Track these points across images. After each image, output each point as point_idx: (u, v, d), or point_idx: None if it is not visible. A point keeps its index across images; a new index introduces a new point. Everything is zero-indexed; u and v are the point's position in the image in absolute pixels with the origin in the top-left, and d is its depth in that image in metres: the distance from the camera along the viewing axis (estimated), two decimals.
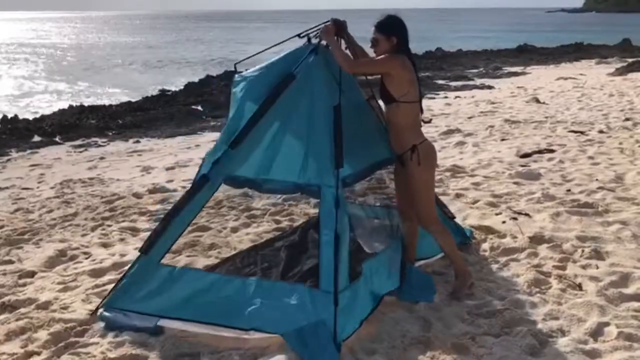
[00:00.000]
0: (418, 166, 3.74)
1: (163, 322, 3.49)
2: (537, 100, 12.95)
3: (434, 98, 14.85)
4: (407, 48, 3.76)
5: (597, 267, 4.24)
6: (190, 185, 3.88)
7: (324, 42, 3.70)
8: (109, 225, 5.70)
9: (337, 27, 3.73)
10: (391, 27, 3.71)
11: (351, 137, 3.48)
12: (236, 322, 3.36)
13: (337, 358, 3.14)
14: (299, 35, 3.78)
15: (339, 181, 3.36)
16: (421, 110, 3.86)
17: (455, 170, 7.10)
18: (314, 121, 3.47)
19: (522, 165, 7.26)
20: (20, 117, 13.91)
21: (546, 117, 10.74)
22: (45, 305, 3.92)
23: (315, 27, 3.76)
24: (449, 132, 9.72)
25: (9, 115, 13.81)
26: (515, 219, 5.28)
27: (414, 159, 3.73)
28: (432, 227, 3.94)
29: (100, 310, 3.67)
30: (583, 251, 4.50)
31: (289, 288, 3.47)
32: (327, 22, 3.75)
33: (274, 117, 3.52)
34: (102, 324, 3.59)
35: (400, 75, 3.68)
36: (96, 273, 4.48)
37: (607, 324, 3.47)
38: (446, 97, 14.91)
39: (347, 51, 3.79)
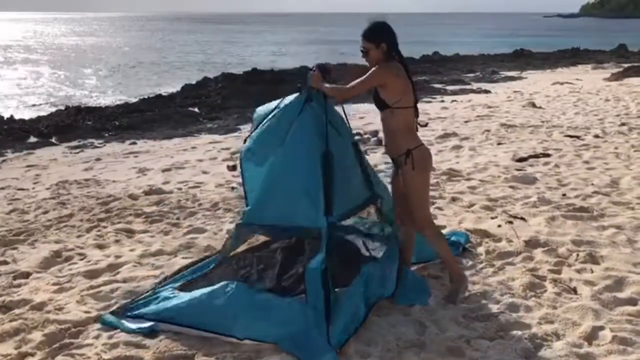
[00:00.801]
0: (412, 170, 3.74)
1: (157, 327, 3.52)
2: (534, 105, 12.99)
3: (430, 102, 14.87)
4: (398, 52, 3.75)
5: (592, 272, 4.25)
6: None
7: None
8: (105, 227, 5.69)
9: (322, 73, 3.83)
10: (379, 34, 3.69)
11: (339, 181, 3.65)
12: (229, 332, 3.37)
13: (336, 358, 3.15)
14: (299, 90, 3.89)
15: (328, 226, 3.51)
16: (417, 115, 3.85)
17: (452, 174, 7.11)
18: (307, 167, 3.63)
19: (518, 169, 7.28)
20: (16, 117, 13.87)
21: (542, 122, 10.77)
22: (39, 306, 3.91)
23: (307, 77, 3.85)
24: (446, 136, 9.74)
25: (5, 116, 13.78)
26: (510, 222, 5.29)
27: (408, 164, 3.73)
28: (426, 231, 3.93)
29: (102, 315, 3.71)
30: (578, 255, 4.51)
31: (282, 304, 3.46)
32: (312, 69, 3.85)
33: (276, 164, 3.73)
34: (97, 325, 3.60)
35: (394, 84, 3.67)
36: (91, 274, 4.47)
37: (601, 328, 3.48)
38: (443, 101, 14.93)
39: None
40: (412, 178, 3.78)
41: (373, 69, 3.68)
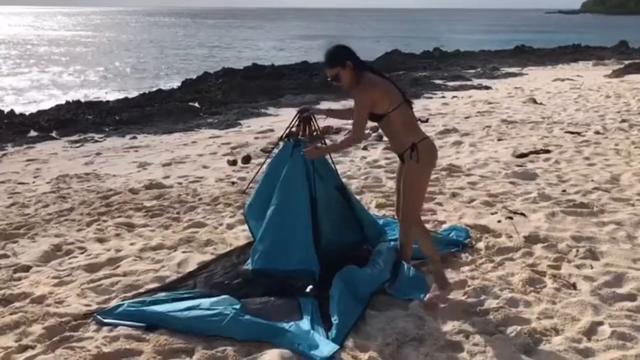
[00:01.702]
0: (416, 164, 3.72)
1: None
2: (534, 101, 12.98)
3: (431, 98, 14.85)
4: (363, 63, 3.78)
5: (592, 267, 4.25)
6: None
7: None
8: (105, 221, 5.69)
9: (304, 123, 4.12)
10: (340, 56, 3.71)
11: (327, 223, 4.00)
12: (227, 334, 3.37)
13: (337, 347, 3.19)
14: (281, 139, 4.24)
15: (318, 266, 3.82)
16: (410, 107, 3.84)
17: (452, 170, 7.11)
18: (298, 212, 3.90)
19: (519, 165, 7.28)
20: (17, 112, 13.87)
21: (543, 118, 10.77)
22: (40, 300, 3.92)
23: (290, 125, 4.16)
24: (446, 132, 9.74)
25: (5, 110, 13.78)
26: (510, 218, 5.29)
27: (414, 157, 3.72)
28: (413, 229, 3.89)
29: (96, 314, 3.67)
30: (578, 251, 4.51)
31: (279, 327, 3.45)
32: (295, 119, 4.13)
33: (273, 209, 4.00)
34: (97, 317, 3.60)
35: (379, 97, 3.68)
36: (91, 268, 4.48)
37: (600, 323, 3.48)
38: (443, 97, 14.91)
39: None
40: (415, 171, 3.76)
41: (355, 97, 3.69)
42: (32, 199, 6.62)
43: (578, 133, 9.19)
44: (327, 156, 4.21)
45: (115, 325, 3.51)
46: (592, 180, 6.47)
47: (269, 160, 4.33)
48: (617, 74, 18.72)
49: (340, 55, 3.72)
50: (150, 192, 6.66)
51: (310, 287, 3.76)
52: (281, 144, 4.23)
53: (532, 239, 4.77)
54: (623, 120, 10.15)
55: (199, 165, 8.22)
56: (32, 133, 11.81)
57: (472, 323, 3.52)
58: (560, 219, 5.28)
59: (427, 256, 4.03)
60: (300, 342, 3.23)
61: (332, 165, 4.28)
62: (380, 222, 4.76)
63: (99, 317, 3.60)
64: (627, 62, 22.34)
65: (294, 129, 4.17)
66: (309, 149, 3.88)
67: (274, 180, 4.03)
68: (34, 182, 7.63)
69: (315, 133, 4.19)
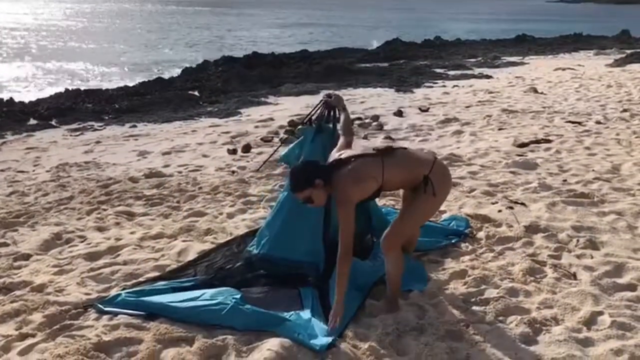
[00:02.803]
0: (433, 197, 3.42)
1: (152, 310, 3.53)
2: (535, 91, 12.93)
3: (432, 87, 14.79)
4: (329, 169, 3.44)
5: (592, 257, 4.26)
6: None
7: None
8: (105, 209, 5.69)
9: (329, 109, 4.10)
10: (306, 179, 3.35)
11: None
12: (228, 323, 3.37)
13: (336, 335, 3.21)
14: (307, 122, 4.22)
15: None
16: (393, 151, 3.52)
17: (452, 159, 7.10)
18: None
19: (519, 155, 7.26)
20: (16, 100, 13.81)
21: (544, 107, 10.73)
22: (40, 288, 3.92)
23: (315, 107, 4.16)
24: (447, 121, 9.70)
25: (5, 98, 13.72)
26: (511, 208, 5.29)
27: (428, 192, 3.40)
28: (392, 253, 3.51)
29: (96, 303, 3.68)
30: (578, 241, 4.51)
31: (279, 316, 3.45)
32: (321, 101, 4.12)
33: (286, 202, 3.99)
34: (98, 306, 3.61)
35: (364, 187, 3.39)
36: (91, 256, 4.48)
37: (600, 313, 3.49)
38: (444, 86, 14.84)
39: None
40: (429, 203, 3.48)
41: (339, 206, 3.34)
42: (31, 187, 6.61)
43: (579, 123, 9.17)
44: None
45: (116, 314, 3.51)
46: (593, 170, 6.46)
47: (290, 146, 4.29)
48: (618, 63, 18.64)
49: (306, 176, 3.36)
50: (150, 181, 6.65)
51: (311, 277, 3.76)
52: (302, 128, 4.21)
53: (532, 229, 4.77)
54: (624, 110, 10.12)
55: (198, 154, 8.20)
56: (32, 121, 11.77)
57: (473, 313, 3.53)
58: (561, 209, 5.27)
59: (391, 280, 3.60)
60: (300, 332, 3.24)
61: None
62: (382, 210, 4.75)
63: (99, 305, 3.61)
64: (628, 51, 22.22)
65: (316, 114, 4.13)
66: (334, 316, 3.33)
67: (290, 161, 4.05)
68: (33, 171, 7.62)
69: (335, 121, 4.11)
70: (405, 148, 3.73)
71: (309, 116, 4.20)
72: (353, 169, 3.39)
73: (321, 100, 4.16)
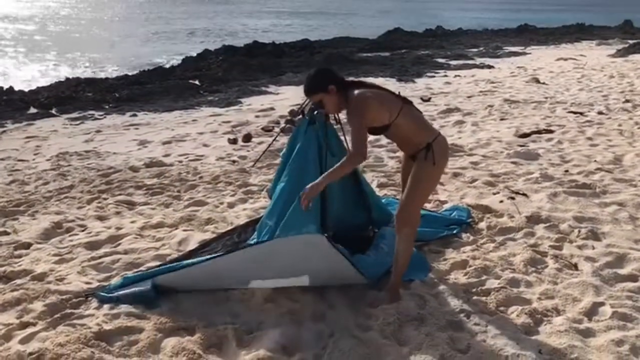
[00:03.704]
0: (432, 165, 3.46)
1: (158, 280, 3.59)
2: (537, 81, 12.88)
3: (433, 77, 14.73)
4: (346, 82, 3.52)
5: (593, 248, 4.25)
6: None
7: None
8: (105, 199, 5.68)
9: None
10: (320, 82, 3.46)
11: (336, 203, 3.91)
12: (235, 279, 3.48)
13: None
14: (302, 114, 4.03)
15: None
16: (411, 105, 3.59)
17: (454, 149, 7.06)
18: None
19: (521, 145, 7.24)
20: (16, 88, 13.78)
21: (546, 98, 10.69)
22: (40, 277, 3.92)
23: (305, 102, 3.91)
24: (448, 111, 9.67)
25: (5, 87, 13.68)
26: (512, 198, 5.27)
27: (429, 158, 3.45)
28: (405, 229, 3.51)
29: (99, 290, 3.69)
30: (580, 232, 4.50)
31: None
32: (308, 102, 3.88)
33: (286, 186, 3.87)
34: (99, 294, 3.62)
35: (377, 111, 3.42)
36: (92, 245, 4.48)
37: (602, 304, 3.48)
38: (446, 76, 14.79)
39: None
40: (429, 172, 3.50)
41: (350, 121, 3.41)
42: (32, 176, 6.61)
43: (581, 113, 9.13)
44: (340, 134, 3.98)
45: (117, 303, 3.51)
46: (595, 161, 6.43)
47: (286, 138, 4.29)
48: (621, 53, 18.55)
49: (320, 80, 3.46)
50: (150, 170, 6.64)
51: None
52: (299, 120, 4.15)
53: (534, 219, 4.75)
54: (627, 101, 10.08)
55: (199, 143, 8.18)
56: (32, 110, 11.74)
57: (474, 303, 3.53)
58: (563, 200, 5.26)
59: (399, 262, 3.58)
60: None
61: (345, 144, 4.14)
62: (383, 201, 4.74)
63: (100, 294, 3.61)
64: (631, 41, 22.10)
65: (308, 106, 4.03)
66: (306, 192, 3.41)
67: (288, 158, 3.98)
68: (33, 160, 7.61)
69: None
70: (421, 112, 3.77)
71: (302, 108, 4.11)
72: (376, 93, 3.49)
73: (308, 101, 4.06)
